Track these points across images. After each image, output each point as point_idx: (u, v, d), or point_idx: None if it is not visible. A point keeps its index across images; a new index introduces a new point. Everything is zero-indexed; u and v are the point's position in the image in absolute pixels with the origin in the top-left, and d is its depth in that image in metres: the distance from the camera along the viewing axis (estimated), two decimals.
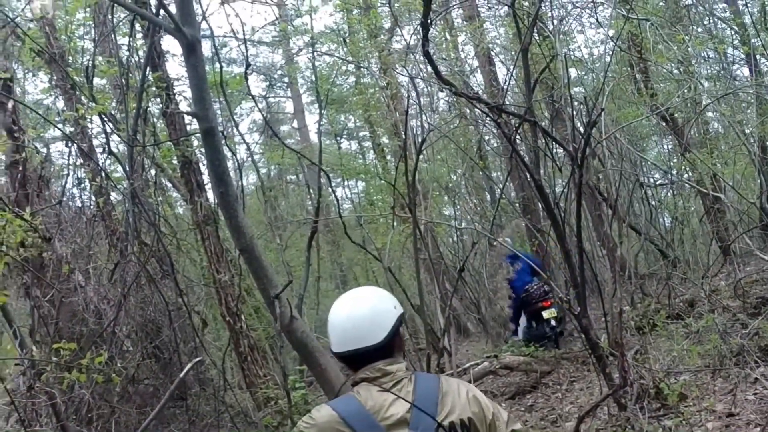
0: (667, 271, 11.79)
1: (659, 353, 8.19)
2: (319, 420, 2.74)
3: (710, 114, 15.93)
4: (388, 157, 21.89)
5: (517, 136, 7.73)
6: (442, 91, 15.56)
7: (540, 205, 12.30)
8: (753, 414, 5.76)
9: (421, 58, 11.50)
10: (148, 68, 9.84)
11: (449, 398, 2.79)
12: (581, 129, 6.88)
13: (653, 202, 15.14)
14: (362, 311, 2.89)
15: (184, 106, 12.76)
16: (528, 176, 7.95)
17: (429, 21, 5.59)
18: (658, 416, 6.19)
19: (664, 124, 15.13)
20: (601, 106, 6.75)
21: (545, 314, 12.27)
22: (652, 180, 16.89)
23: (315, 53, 16.85)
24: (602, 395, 6.76)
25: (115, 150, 10.80)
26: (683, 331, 9.00)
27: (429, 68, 10.85)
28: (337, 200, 13.18)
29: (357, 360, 2.86)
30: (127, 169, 9.13)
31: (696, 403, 6.38)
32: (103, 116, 9.72)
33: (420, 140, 11.12)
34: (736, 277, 10.18)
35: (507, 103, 13.02)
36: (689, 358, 7.64)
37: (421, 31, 5.72)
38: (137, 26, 10.67)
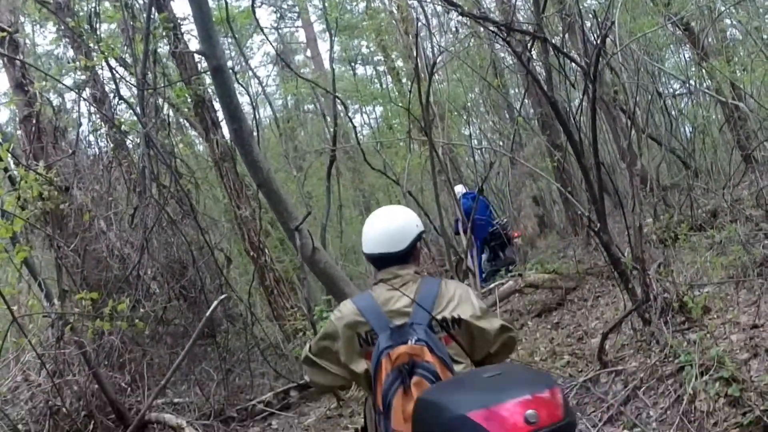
0: (688, 182, 11.67)
1: (683, 266, 8.14)
2: (344, 312, 3.56)
3: (727, 21, 15.59)
4: (404, 80, 21.71)
5: (530, 53, 7.61)
6: (448, 13, 15.32)
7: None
8: None
9: None
10: (153, 9, 9.73)
11: (445, 299, 3.47)
12: (594, 42, 6.75)
13: (673, 113, 14.95)
14: (391, 225, 3.64)
15: (193, 45, 12.68)
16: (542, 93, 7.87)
17: None
18: (682, 330, 6.17)
19: (680, 33, 14.86)
20: (612, 19, 6.61)
21: (518, 242, 14.05)
22: (671, 90, 16.64)
23: None
24: (625, 311, 6.77)
25: (129, 94, 10.79)
26: (706, 242, 8.94)
27: None
28: (354, 128, 13.10)
29: (380, 261, 3.63)
30: (139, 112, 9.10)
31: (720, 316, 6.34)
32: (110, 62, 9.68)
33: (435, 59, 11.03)
34: (759, 186, 10.06)
35: (519, 20, 12.87)
36: (712, 270, 7.60)
37: None
38: None
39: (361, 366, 3.47)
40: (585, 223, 11.40)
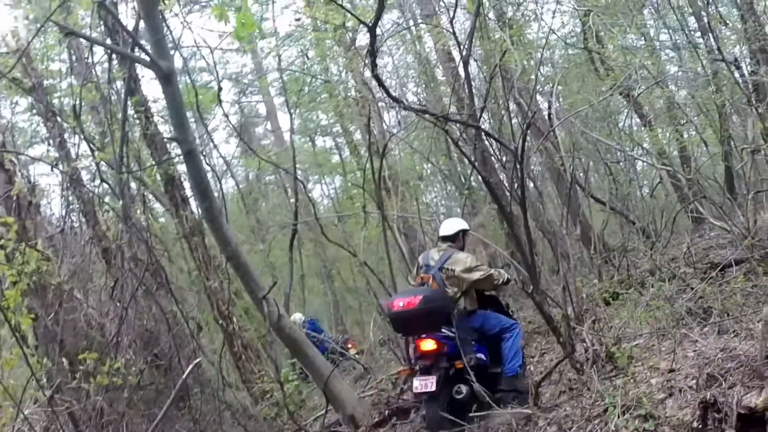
0: (624, 245, 12.48)
1: (618, 321, 8.91)
2: (419, 258, 8.48)
3: (673, 87, 16.36)
4: (362, 151, 22.24)
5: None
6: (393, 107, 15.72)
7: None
8: (691, 368, 6.51)
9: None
10: (128, 97, 10.37)
11: (452, 259, 7.66)
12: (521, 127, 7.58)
13: (628, 177, 15.74)
14: (448, 222, 8.33)
15: (162, 126, 13.35)
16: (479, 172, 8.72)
17: (375, 49, 6.28)
18: (610, 377, 6.92)
19: (625, 101, 15.76)
20: (534, 108, 7.51)
21: (351, 351, 16.00)
22: (619, 155, 17.44)
23: (281, 65, 17.41)
24: (556, 361, 7.57)
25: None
26: (643, 299, 9.69)
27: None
28: (313, 204, 13.78)
29: (441, 239, 8.08)
30: (118, 193, 9.71)
31: (643, 363, 7.10)
32: (91, 143, 10.29)
33: (386, 142, 11.78)
34: (690, 245, 10.87)
35: (465, 98, 13.71)
36: (641, 324, 8.42)
37: (370, 57, 6.36)
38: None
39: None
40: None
